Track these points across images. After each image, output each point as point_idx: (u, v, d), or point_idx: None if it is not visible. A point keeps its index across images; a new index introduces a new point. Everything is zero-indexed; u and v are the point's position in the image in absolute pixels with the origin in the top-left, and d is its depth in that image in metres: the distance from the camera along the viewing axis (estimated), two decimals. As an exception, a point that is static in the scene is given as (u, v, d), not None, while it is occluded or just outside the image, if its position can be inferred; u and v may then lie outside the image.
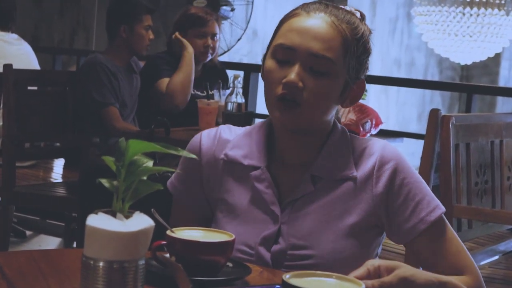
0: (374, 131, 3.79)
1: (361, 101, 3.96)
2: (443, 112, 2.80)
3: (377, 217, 1.64)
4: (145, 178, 1.19)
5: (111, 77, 4.12)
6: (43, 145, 4.20)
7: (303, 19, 1.62)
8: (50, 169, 4.53)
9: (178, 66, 4.14)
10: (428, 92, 10.57)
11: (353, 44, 1.63)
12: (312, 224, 1.63)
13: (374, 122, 3.78)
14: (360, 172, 1.64)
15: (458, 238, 1.67)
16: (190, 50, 4.16)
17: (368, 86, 4.67)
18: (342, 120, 3.65)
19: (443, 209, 1.64)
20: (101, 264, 1.13)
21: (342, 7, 1.68)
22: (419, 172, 2.92)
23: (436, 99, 10.78)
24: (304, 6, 1.66)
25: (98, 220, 1.13)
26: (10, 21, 4.51)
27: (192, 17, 4.27)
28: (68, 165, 4.44)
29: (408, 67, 10.37)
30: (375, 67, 9.12)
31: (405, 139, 4.65)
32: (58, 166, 4.58)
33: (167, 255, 1.43)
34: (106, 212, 1.16)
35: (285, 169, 1.68)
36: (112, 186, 1.18)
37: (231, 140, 1.71)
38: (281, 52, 1.62)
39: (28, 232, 4.94)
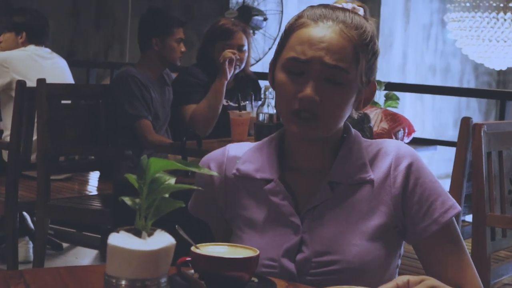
0: (407, 140, 3.77)
1: (393, 109, 3.96)
2: (479, 118, 2.77)
3: (397, 218, 1.63)
4: (167, 195, 1.20)
5: (143, 90, 4.13)
6: (77, 158, 4.24)
7: (312, 29, 1.61)
8: (85, 182, 4.56)
9: (209, 90, 4.14)
10: (464, 98, 10.47)
11: (363, 50, 1.63)
12: (334, 229, 1.62)
13: (407, 131, 3.76)
14: (377, 174, 1.64)
15: (467, 250, 1.66)
16: (223, 80, 4.14)
17: (402, 94, 4.64)
18: (374, 129, 3.63)
19: (458, 208, 1.63)
20: (123, 282, 1.13)
21: (344, 5, 1.66)
22: (452, 181, 2.90)
23: (473, 105, 10.69)
24: (309, 14, 1.64)
25: (119, 239, 1.14)
26: (44, 36, 4.58)
27: (220, 29, 4.28)
28: (103, 178, 4.48)
29: (443, 73, 10.29)
30: (409, 74, 9.08)
31: (439, 146, 4.61)
32: (94, 179, 4.61)
33: (192, 271, 1.43)
34: (128, 230, 1.16)
35: (300, 177, 1.67)
36: (134, 204, 1.19)
37: (241, 156, 1.71)
38: (293, 65, 1.61)
39: (65, 245, 4.98)
